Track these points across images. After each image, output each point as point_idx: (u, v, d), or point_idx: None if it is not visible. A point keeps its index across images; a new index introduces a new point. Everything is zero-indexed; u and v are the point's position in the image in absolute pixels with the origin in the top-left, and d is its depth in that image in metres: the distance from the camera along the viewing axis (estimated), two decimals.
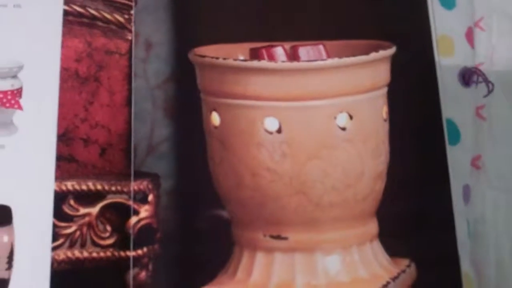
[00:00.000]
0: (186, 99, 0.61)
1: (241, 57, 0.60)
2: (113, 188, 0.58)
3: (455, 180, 0.62)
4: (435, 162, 0.61)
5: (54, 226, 0.57)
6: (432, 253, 0.58)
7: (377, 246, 0.59)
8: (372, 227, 0.59)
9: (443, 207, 0.60)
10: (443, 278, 0.58)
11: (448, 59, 0.66)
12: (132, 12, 0.62)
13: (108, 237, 0.57)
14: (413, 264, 0.59)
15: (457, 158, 0.63)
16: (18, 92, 0.58)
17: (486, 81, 0.66)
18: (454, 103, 0.65)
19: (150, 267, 0.57)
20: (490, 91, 0.66)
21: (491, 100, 0.66)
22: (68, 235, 0.57)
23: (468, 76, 0.66)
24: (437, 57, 0.65)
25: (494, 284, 0.62)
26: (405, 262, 0.59)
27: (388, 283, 0.58)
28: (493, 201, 0.64)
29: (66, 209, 0.57)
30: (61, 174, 0.57)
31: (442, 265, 0.58)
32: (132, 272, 0.57)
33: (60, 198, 0.57)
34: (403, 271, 0.59)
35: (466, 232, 0.62)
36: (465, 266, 0.60)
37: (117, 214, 0.58)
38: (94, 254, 0.57)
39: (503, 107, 0.66)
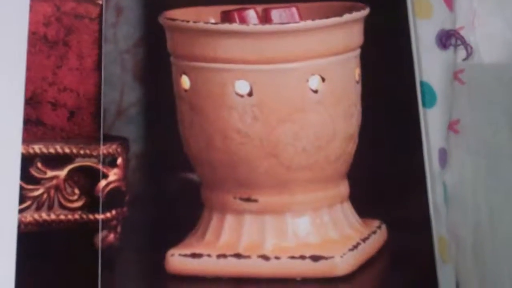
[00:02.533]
0: (156, 63, 0.63)
1: (212, 20, 0.62)
2: (82, 152, 0.60)
3: (429, 143, 0.64)
4: (409, 125, 0.63)
5: (21, 188, 0.59)
6: (403, 215, 0.61)
7: (347, 207, 0.62)
8: (343, 189, 0.62)
9: (416, 169, 0.61)
10: (415, 240, 0.60)
11: (425, 21, 0.68)
12: None
13: (76, 200, 0.60)
14: (384, 226, 0.62)
15: (432, 121, 0.64)
16: None
17: (465, 45, 0.68)
18: (430, 66, 0.67)
19: (119, 229, 0.60)
20: (469, 55, 0.68)
21: (470, 64, 0.69)
22: (35, 198, 0.59)
23: (445, 39, 0.68)
24: (413, 19, 0.67)
25: (470, 249, 0.64)
26: (375, 223, 0.62)
27: (358, 244, 0.60)
28: (473, 166, 0.66)
29: (33, 171, 0.60)
30: (28, 137, 0.60)
31: (414, 228, 0.60)
32: (100, 234, 0.59)
33: (27, 161, 0.60)
34: (374, 232, 0.61)
35: (442, 195, 0.64)
36: (441, 230, 0.62)
37: (86, 177, 0.60)
38: (62, 217, 0.59)
39: (483, 71, 0.68)
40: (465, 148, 0.67)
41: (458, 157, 0.67)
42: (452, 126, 0.68)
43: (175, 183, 0.62)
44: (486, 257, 0.64)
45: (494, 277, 0.64)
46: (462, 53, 0.68)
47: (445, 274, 0.61)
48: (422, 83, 0.65)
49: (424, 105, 0.64)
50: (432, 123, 0.65)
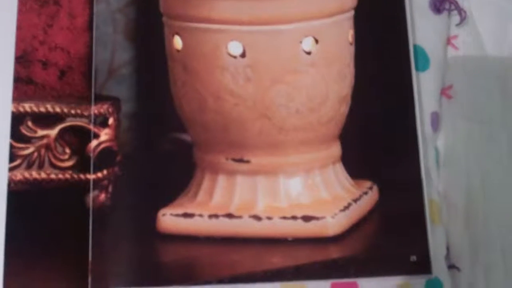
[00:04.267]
0: (148, 22, 0.64)
1: None
2: (73, 111, 0.61)
3: (422, 107, 0.65)
4: (402, 88, 0.64)
5: (12, 147, 0.60)
6: (395, 177, 0.62)
7: (339, 169, 0.63)
8: (335, 150, 0.63)
9: (408, 132, 0.63)
10: (406, 202, 0.61)
11: None
12: None
13: (67, 160, 0.61)
14: (375, 187, 0.63)
15: (425, 84, 0.66)
16: None
17: (459, 10, 0.69)
18: (424, 30, 0.68)
19: (110, 189, 0.61)
20: (463, 20, 0.69)
21: (464, 30, 0.70)
22: (25, 156, 0.60)
23: (439, 3, 0.69)
24: None
25: (463, 212, 0.66)
26: (367, 184, 0.63)
27: (349, 204, 0.62)
28: (465, 131, 0.67)
29: (24, 130, 0.61)
30: (19, 95, 0.61)
31: (405, 190, 0.62)
32: (92, 194, 0.60)
33: (17, 119, 0.61)
34: (365, 193, 0.63)
35: (434, 159, 0.65)
36: (432, 193, 0.63)
37: (77, 137, 0.61)
38: (53, 176, 0.60)
39: (477, 36, 0.70)
40: (458, 113, 0.68)
41: (451, 122, 0.68)
42: (445, 92, 0.69)
43: (167, 144, 0.63)
44: (477, 221, 0.65)
45: (485, 241, 0.65)
46: (456, 18, 0.69)
47: (436, 236, 0.62)
48: (415, 47, 0.66)
49: (417, 68, 0.65)
50: (425, 87, 0.66)
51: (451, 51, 0.69)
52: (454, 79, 0.68)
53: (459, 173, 0.67)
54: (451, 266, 0.64)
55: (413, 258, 0.60)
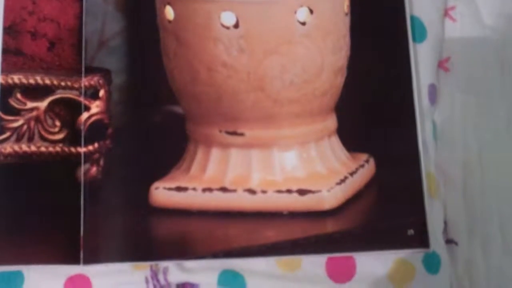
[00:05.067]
0: None
1: None
2: (63, 84, 0.60)
3: (419, 78, 0.64)
4: (398, 58, 0.63)
5: (1, 119, 0.59)
6: (392, 150, 0.62)
7: (335, 141, 0.62)
8: (331, 122, 0.62)
9: (405, 104, 0.62)
10: (403, 176, 0.61)
11: None
12: None
13: (57, 132, 0.60)
14: (372, 160, 0.62)
15: (422, 56, 0.65)
16: None
17: None
18: (421, 0, 0.67)
19: (102, 163, 0.60)
20: None
21: (461, 1, 0.69)
22: (15, 129, 0.59)
23: None
24: None
25: (460, 186, 0.65)
26: (363, 157, 0.63)
27: (345, 178, 0.61)
28: (462, 104, 0.67)
29: (13, 102, 0.60)
30: (7, 67, 0.60)
31: (402, 163, 0.61)
32: (83, 168, 0.59)
33: (6, 91, 0.60)
34: (361, 166, 0.62)
35: (431, 132, 0.65)
36: (429, 166, 0.63)
37: (67, 110, 0.60)
38: (43, 149, 0.59)
39: (474, 8, 0.69)
40: (455, 86, 0.68)
41: (448, 95, 0.68)
42: (442, 64, 0.68)
43: (159, 116, 0.62)
44: (474, 194, 0.65)
45: (482, 215, 0.65)
46: None
47: (433, 210, 0.62)
48: (412, 18, 0.65)
49: (414, 39, 0.65)
50: (422, 58, 0.65)
51: (448, 23, 0.68)
52: (452, 51, 0.68)
53: (456, 146, 0.67)
54: (449, 241, 0.64)
55: (411, 232, 0.59)
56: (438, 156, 0.65)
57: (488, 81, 0.68)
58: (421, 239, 0.59)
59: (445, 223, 0.64)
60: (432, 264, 0.61)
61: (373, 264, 0.60)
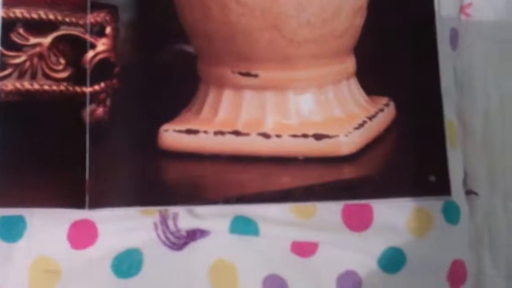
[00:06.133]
0: None
1: None
2: (67, 19, 0.58)
3: (441, 22, 0.62)
4: (421, 1, 0.60)
5: (2, 55, 0.57)
6: (413, 94, 0.59)
7: (354, 84, 0.60)
8: (350, 64, 0.60)
9: (427, 46, 0.59)
10: (424, 120, 0.58)
11: None
12: None
13: (61, 70, 0.57)
14: (392, 104, 0.60)
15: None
16: None
17: None
18: None
19: (108, 103, 0.58)
20: None
21: None
22: (17, 65, 0.57)
23: None
24: None
25: (480, 135, 0.63)
26: (383, 101, 0.60)
27: (364, 122, 0.59)
28: (483, 51, 0.65)
29: (14, 37, 0.57)
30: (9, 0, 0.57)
31: (423, 108, 0.59)
32: (88, 108, 0.57)
33: (8, 25, 0.57)
34: (381, 110, 0.60)
35: (452, 79, 0.63)
36: (449, 114, 0.61)
37: (72, 47, 0.58)
38: (46, 87, 0.57)
39: None
40: (476, 32, 0.65)
41: (469, 42, 0.66)
42: (463, 10, 0.66)
43: (168, 55, 0.60)
44: (495, 146, 0.64)
45: (503, 166, 0.63)
46: None
47: (453, 160, 0.60)
48: None
49: None
50: (444, 2, 0.63)
51: None
52: None
53: (476, 95, 0.65)
54: (469, 191, 0.62)
55: (432, 178, 0.57)
56: (458, 105, 0.63)
57: (510, 28, 0.66)
58: (442, 187, 0.57)
59: (465, 173, 0.62)
60: (451, 215, 0.59)
61: (390, 213, 0.58)
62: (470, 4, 0.66)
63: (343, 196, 0.57)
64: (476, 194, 0.62)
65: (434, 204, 0.58)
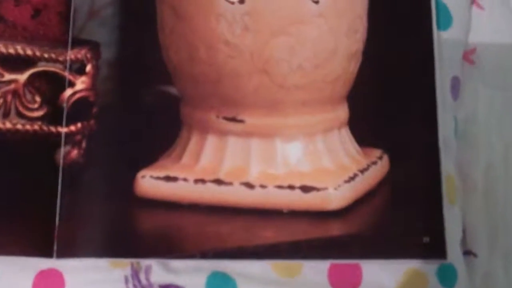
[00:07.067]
0: None
1: None
2: (46, 55, 0.56)
3: (442, 70, 0.60)
4: (421, 46, 0.59)
5: None
6: (409, 146, 0.57)
7: (345, 134, 0.59)
8: (342, 113, 0.58)
9: (426, 96, 0.58)
10: (420, 175, 0.56)
11: None
12: None
13: (36, 109, 0.56)
14: (386, 157, 0.58)
15: (446, 44, 0.61)
16: None
17: None
18: None
19: (84, 145, 0.56)
20: None
21: None
22: None
23: None
24: None
25: (481, 190, 0.62)
26: (377, 153, 0.59)
27: (355, 175, 0.57)
28: (487, 99, 0.64)
29: None
30: None
31: (420, 162, 0.57)
32: (63, 149, 0.55)
33: None
34: (374, 163, 0.58)
35: (452, 129, 0.61)
36: (449, 167, 0.59)
37: (49, 85, 0.56)
38: (19, 126, 0.55)
39: None
40: (480, 80, 0.64)
41: (472, 89, 0.64)
42: (467, 56, 0.65)
43: (150, 96, 0.58)
44: (497, 200, 0.62)
45: (505, 223, 0.61)
46: None
47: (451, 217, 0.57)
48: (437, 2, 0.61)
49: (438, 27, 0.61)
50: (446, 48, 0.61)
51: (475, 10, 0.65)
52: (478, 41, 0.64)
53: (479, 147, 0.63)
54: (467, 252, 0.60)
55: (426, 239, 0.55)
56: (459, 157, 0.61)
57: None
58: (437, 248, 0.55)
59: (464, 232, 0.59)
60: (447, 277, 0.56)
61: (381, 274, 0.55)
62: (474, 50, 0.64)
63: (331, 254, 0.55)
64: (474, 255, 0.59)
65: (429, 266, 0.55)
